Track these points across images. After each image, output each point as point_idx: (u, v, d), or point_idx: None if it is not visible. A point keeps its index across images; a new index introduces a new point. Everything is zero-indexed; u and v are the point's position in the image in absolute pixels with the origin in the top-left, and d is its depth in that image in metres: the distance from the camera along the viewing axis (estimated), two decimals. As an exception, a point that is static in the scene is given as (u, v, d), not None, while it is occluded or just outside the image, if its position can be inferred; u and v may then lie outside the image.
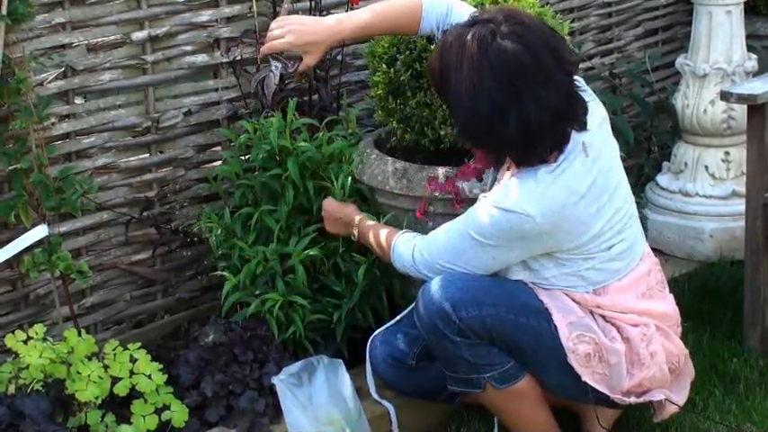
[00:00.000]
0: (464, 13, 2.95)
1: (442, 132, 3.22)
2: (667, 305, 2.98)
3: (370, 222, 3.12)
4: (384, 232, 3.05)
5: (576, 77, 2.77)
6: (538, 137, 2.68)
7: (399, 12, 3.02)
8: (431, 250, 2.88)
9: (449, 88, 2.73)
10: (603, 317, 2.86)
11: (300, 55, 2.99)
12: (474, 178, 3.07)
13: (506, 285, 2.84)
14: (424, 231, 3.00)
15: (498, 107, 2.66)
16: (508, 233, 2.75)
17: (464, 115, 2.73)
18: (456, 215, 2.90)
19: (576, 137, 2.76)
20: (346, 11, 3.57)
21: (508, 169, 2.86)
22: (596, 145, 2.80)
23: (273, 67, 2.94)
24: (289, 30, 2.96)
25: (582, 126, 2.76)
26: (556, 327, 2.80)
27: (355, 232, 3.13)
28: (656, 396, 2.93)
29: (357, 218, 3.14)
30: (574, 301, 2.84)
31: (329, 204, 3.21)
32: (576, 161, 2.75)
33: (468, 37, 2.68)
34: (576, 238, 2.77)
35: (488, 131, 2.71)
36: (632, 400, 2.90)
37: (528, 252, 2.80)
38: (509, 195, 2.74)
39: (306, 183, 3.26)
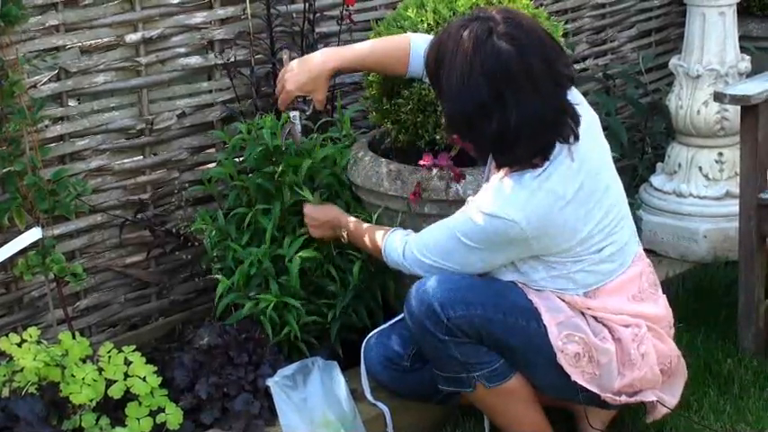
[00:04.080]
0: None
1: (437, 136, 3.22)
2: (659, 307, 2.97)
3: (359, 223, 3.13)
4: (375, 230, 3.06)
5: (568, 90, 2.75)
6: (513, 142, 2.68)
7: (387, 53, 3.14)
8: (421, 248, 2.90)
9: (440, 79, 2.73)
10: (595, 317, 2.86)
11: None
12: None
13: (496, 285, 2.85)
14: (416, 223, 2.98)
15: (482, 105, 2.66)
16: (493, 238, 2.76)
17: (450, 108, 2.74)
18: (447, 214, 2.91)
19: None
20: (341, 12, 3.58)
21: (498, 172, 2.86)
22: (582, 149, 2.78)
23: (292, 117, 3.15)
24: (285, 81, 3.13)
25: (574, 139, 2.74)
26: (545, 326, 2.80)
27: (344, 234, 3.13)
28: (648, 396, 2.94)
29: (345, 219, 3.14)
30: (564, 301, 2.84)
31: (311, 210, 3.21)
32: (562, 166, 2.75)
33: (466, 32, 2.68)
34: (565, 243, 2.77)
35: (470, 127, 2.72)
36: (623, 399, 2.90)
37: (515, 255, 2.81)
38: (494, 200, 2.75)
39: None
